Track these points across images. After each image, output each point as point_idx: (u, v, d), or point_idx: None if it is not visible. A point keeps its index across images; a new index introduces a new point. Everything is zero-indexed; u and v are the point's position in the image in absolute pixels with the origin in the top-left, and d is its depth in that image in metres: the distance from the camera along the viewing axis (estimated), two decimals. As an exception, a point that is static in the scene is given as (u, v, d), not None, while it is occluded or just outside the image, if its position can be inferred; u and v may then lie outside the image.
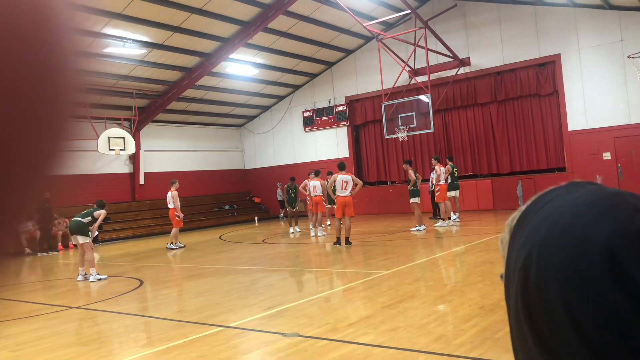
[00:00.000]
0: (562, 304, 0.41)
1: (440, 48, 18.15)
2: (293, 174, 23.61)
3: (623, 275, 0.39)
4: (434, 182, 14.89)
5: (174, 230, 14.21)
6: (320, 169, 15.81)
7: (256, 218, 22.92)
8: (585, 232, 0.42)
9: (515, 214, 0.52)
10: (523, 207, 0.51)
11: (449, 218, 14.77)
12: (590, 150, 16.84)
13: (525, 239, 0.47)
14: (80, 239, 9.56)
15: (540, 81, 17.99)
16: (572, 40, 17.17)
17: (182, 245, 14.28)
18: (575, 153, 17.14)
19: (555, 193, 0.50)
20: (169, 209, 14.31)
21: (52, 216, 16.72)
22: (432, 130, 17.50)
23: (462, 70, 19.13)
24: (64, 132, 0.33)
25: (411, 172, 14.02)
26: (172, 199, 14.01)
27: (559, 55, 17.41)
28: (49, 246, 16.59)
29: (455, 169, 15.43)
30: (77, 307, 7.42)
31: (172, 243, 14.19)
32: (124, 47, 16.40)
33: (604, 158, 16.64)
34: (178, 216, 13.99)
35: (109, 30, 15.65)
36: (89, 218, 9.74)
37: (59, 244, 16.97)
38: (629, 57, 14.61)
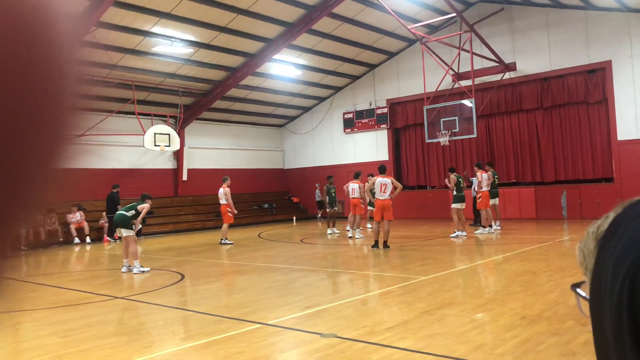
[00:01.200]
0: None
1: (485, 52, 17.85)
2: (332, 175, 23.73)
3: None
4: (476, 189, 14.68)
5: (224, 226, 14.49)
6: (360, 171, 15.80)
7: (294, 218, 23.08)
8: None
9: (601, 222, 0.50)
10: (612, 215, 0.49)
11: (490, 226, 14.51)
12: (640, 160, 16.24)
13: (628, 245, 0.44)
14: (124, 232, 9.84)
15: (589, 88, 17.45)
16: (625, 46, 16.59)
17: (231, 242, 14.51)
18: (624, 163, 16.55)
19: None
20: (220, 204, 14.61)
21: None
22: (474, 135, 17.22)
23: (507, 76, 18.76)
24: (67, 124, 0.33)
25: (453, 178, 13.88)
26: (224, 195, 14.32)
27: (609, 62, 16.85)
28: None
29: (495, 176, 15.15)
30: (121, 298, 7.65)
31: (225, 239, 14.49)
32: (171, 45, 16.82)
33: (656, 169, 16.01)
34: (230, 212, 14.26)
35: (157, 30, 16.08)
36: (133, 212, 10.00)
37: (105, 235, 17.51)
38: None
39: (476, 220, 16.06)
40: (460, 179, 14.10)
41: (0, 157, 0.28)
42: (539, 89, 18.46)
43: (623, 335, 0.43)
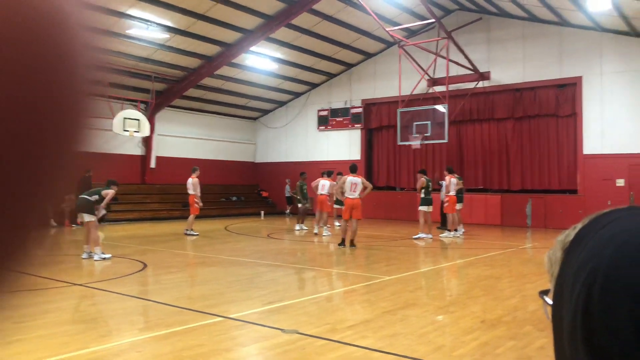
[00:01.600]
0: (631, 322, 0.41)
1: (461, 60, 18.08)
2: (305, 172, 23.67)
3: None
4: (444, 193, 14.86)
5: (191, 217, 14.29)
6: (332, 170, 15.84)
7: (262, 212, 22.95)
8: None
9: (569, 232, 0.51)
10: (579, 226, 0.51)
11: (456, 230, 14.73)
12: (604, 175, 16.71)
13: (588, 256, 0.46)
14: (86, 217, 9.61)
15: (560, 102, 17.87)
16: (596, 64, 17.03)
17: (196, 234, 14.31)
18: (588, 177, 17.01)
19: (617, 215, 0.49)
20: (188, 195, 14.39)
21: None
22: (446, 140, 17.44)
23: (481, 84, 19.05)
24: (84, 110, 0.34)
25: (422, 181, 14.02)
26: (192, 185, 14.12)
27: (580, 78, 17.29)
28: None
29: (460, 181, 15.34)
30: (80, 285, 7.46)
31: (190, 229, 14.29)
32: (147, 30, 16.49)
33: (617, 184, 16.51)
34: (197, 203, 14.07)
35: (134, 12, 15.74)
36: (97, 197, 9.78)
37: (67, 220, 17.08)
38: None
39: (443, 223, 16.27)
40: (429, 182, 14.25)
41: (26, 143, 0.30)
42: (511, 99, 18.80)
43: (577, 343, 0.45)
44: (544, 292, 0.56)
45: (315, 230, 14.88)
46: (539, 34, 18.04)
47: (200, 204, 14.28)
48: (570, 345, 0.46)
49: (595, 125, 17.00)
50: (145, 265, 9.12)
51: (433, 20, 16.19)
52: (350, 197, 11.68)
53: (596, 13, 15.27)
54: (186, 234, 14.21)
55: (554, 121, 18.21)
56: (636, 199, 16.14)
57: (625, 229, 0.46)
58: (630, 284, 0.42)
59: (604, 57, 16.87)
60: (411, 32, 20.12)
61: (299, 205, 16.75)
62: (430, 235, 13.98)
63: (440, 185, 15.39)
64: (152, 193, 21.05)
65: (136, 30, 16.49)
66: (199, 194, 14.17)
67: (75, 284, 7.46)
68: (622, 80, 16.56)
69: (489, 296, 6.91)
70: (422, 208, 13.97)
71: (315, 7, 17.18)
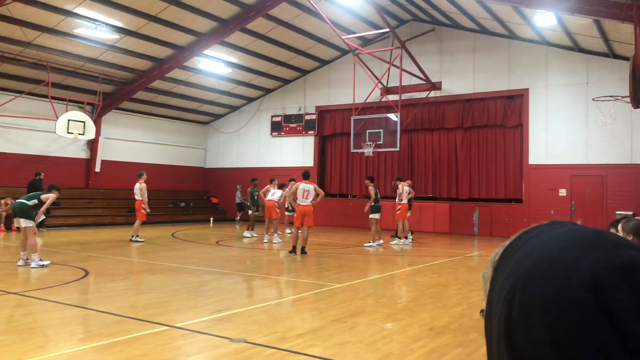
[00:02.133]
0: (546, 335, 0.42)
1: (414, 69, 18.39)
2: (257, 178, 23.39)
3: (607, 307, 0.40)
4: (397, 201, 14.99)
5: (137, 223, 13.83)
6: (284, 176, 15.71)
7: (211, 219, 22.55)
8: (570, 266, 0.43)
9: (498, 250, 0.53)
10: (506, 243, 0.52)
11: (406, 237, 14.89)
12: (547, 185, 17.32)
13: (510, 271, 0.48)
14: (23, 222, 9.13)
15: (507, 113, 18.43)
16: (541, 77, 17.69)
17: (142, 240, 13.84)
18: (533, 186, 17.59)
19: (539, 230, 0.51)
20: (135, 200, 13.96)
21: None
22: (397, 149, 17.65)
23: (432, 94, 19.43)
24: None
25: (371, 189, 14.11)
26: (139, 190, 13.72)
27: (527, 90, 17.90)
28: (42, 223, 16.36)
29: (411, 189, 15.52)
30: (15, 293, 7.05)
31: (136, 236, 13.81)
32: (95, 29, 15.93)
33: (560, 194, 17.14)
34: (144, 209, 13.67)
35: (81, 11, 15.19)
36: (35, 201, 9.33)
37: (1, 224, 16.24)
38: (593, 99, 15.13)
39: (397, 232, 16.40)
40: (377, 190, 14.38)
41: None
42: (461, 109, 19.25)
43: (502, 356, 0.46)
44: (483, 311, 0.56)
45: (266, 239, 14.71)
46: (489, 47, 18.59)
47: (148, 210, 13.88)
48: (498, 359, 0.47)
49: (540, 137, 17.62)
50: (86, 273, 8.72)
51: (387, 29, 16.41)
52: (302, 204, 11.61)
53: (542, 28, 15.87)
54: (132, 241, 13.75)
55: (501, 132, 18.76)
56: (577, 208, 16.81)
57: (542, 244, 0.48)
58: (542, 295, 0.43)
59: (550, 70, 17.54)
60: (366, 41, 20.32)
61: (249, 212, 16.55)
62: (382, 241, 14.10)
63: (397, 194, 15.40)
64: (96, 198, 20.32)
65: (84, 29, 15.91)
66: (146, 200, 13.77)
67: (9, 292, 7.04)
68: (565, 93, 17.26)
69: (437, 304, 6.97)
70: (372, 216, 14.06)
71: (271, 12, 17.09)
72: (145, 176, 14.04)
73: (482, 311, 0.56)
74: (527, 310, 0.44)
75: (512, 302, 0.45)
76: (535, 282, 0.44)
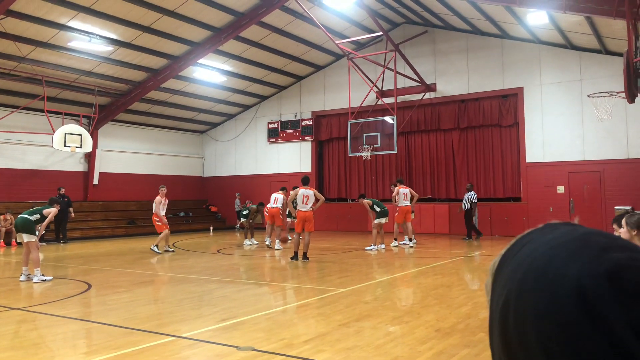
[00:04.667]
0: (539, 346, 0.43)
1: (409, 72, 18.46)
2: (253, 185, 23.39)
3: (594, 316, 0.41)
4: (395, 203, 15.00)
5: (160, 235, 13.85)
6: (282, 182, 15.72)
7: (211, 227, 22.52)
8: (556, 275, 0.44)
9: (496, 259, 0.53)
10: (503, 251, 0.53)
11: (410, 239, 14.89)
12: (545, 182, 17.36)
13: (504, 283, 0.49)
14: (26, 237, 9.12)
15: (502, 112, 18.49)
16: (535, 75, 17.77)
17: (159, 252, 13.73)
18: (531, 184, 17.63)
19: (531, 236, 0.51)
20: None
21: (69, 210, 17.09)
22: (395, 151, 17.69)
23: (427, 95, 19.49)
24: None
25: (365, 203, 14.28)
26: (154, 203, 13.89)
27: (521, 89, 17.97)
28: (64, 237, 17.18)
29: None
30: (18, 309, 7.03)
31: (162, 245, 13.92)
32: (89, 42, 15.94)
33: (558, 191, 17.18)
34: (159, 221, 13.79)
35: (75, 24, 15.22)
36: (37, 216, 9.32)
37: (1, 240, 16.19)
38: (588, 96, 15.19)
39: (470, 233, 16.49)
40: (373, 201, 14.47)
41: None
42: (457, 110, 19.31)
43: None
44: None
45: (267, 241, 14.79)
46: (482, 47, 18.67)
47: (161, 222, 13.89)
48: None
49: (536, 134, 17.68)
50: (89, 286, 8.70)
51: (381, 33, 16.48)
52: (303, 209, 11.61)
53: (535, 27, 15.95)
54: (165, 251, 13.98)
55: (497, 131, 18.82)
56: (575, 204, 16.85)
57: (532, 252, 0.48)
58: (533, 309, 0.44)
59: (543, 68, 17.62)
60: (360, 45, 20.39)
61: (242, 220, 16.51)
62: (383, 246, 14.10)
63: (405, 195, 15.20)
64: (95, 210, 20.28)
65: (78, 42, 15.93)
66: (159, 212, 13.81)
67: (13, 308, 7.02)
68: (560, 90, 17.34)
69: (442, 305, 6.97)
70: (377, 220, 14.05)
71: (264, 19, 17.14)
72: (163, 189, 14.08)
73: None
74: (521, 325, 0.45)
75: (507, 316, 0.46)
76: (526, 295, 0.45)
